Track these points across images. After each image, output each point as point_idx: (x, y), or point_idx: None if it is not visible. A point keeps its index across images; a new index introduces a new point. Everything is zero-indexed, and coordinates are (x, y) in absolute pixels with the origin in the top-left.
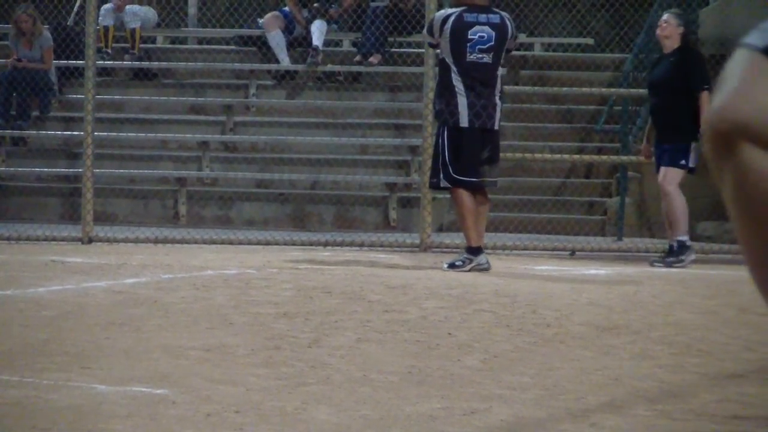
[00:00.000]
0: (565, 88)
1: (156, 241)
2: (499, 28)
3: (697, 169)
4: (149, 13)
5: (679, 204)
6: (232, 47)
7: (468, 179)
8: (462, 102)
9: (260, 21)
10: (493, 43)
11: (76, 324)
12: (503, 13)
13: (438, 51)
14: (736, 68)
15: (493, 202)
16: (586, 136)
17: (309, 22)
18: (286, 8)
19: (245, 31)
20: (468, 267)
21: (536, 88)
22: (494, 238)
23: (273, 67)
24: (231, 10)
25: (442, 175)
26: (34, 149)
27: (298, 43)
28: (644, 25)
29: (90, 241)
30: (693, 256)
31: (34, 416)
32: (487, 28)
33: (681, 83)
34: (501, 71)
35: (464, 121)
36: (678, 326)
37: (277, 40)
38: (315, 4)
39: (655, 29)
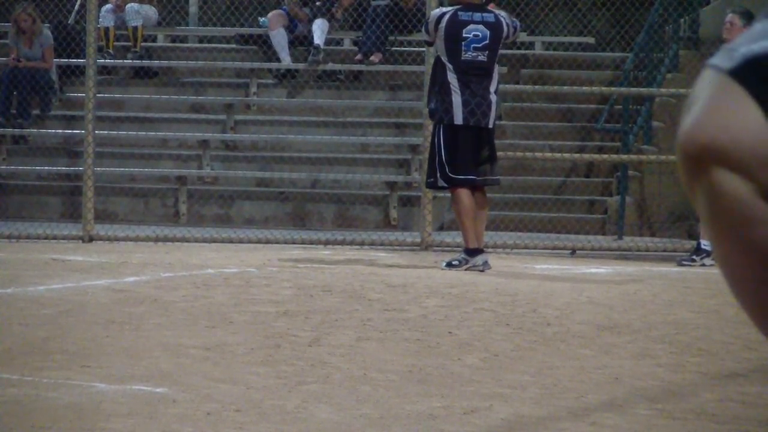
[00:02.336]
0: (565, 87)
1: (156, 240)
2: (494, 27)
3: None
4: (150, 11)
5: None
6: (233, 46)
7: (465, 177)
8: (456, 100)
9: (261, 19)
10: (488, 41)
11: (77, 322)
12: (498, 12)
13: (434, 50)
14: (703, 90)
15: (493, 200)
16: (587, 135)
17: (311, 20)
18: (287, 6)
19: (246, 30)
20: (464, 267)
21: (537, 86)
22: (495, 237)
23: (274, 65)
24: (232, 9)
25: (439, 175)
26: (35, 147)
27: (299, 42)
28: (645, 24)
29: (90, 239)
30: (709, 261)
31: (33, 415)
32: (481, 26)
33: None
34: (498, 68)
35: (459, 119)
36: (678, 325)
37: (279, 38)
38: (317, 3)
39: (655, 28)
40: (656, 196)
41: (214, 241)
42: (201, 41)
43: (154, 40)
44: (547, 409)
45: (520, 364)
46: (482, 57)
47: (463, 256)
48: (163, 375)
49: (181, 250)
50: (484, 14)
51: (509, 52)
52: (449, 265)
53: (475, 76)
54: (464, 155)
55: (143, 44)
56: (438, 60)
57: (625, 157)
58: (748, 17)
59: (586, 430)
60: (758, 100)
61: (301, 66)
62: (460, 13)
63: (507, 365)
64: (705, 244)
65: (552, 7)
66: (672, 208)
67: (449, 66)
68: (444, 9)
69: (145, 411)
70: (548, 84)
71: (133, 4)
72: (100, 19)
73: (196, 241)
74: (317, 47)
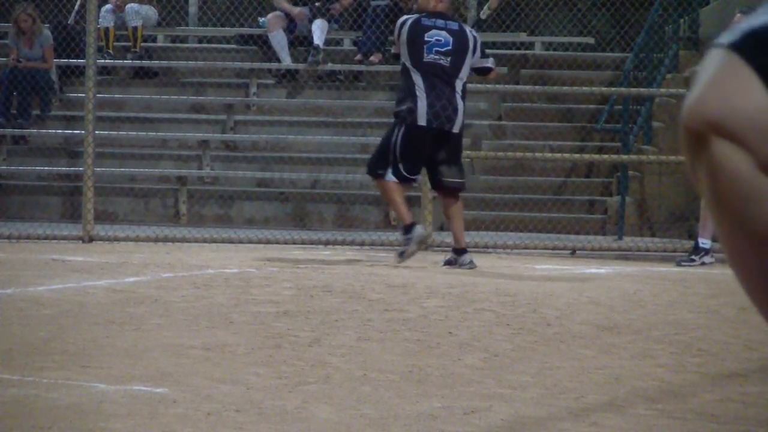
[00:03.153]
0: (565, 87)
1: (156, 240)
2: (458, 35)
3: None
4: (150, 11)
5: None
6: (233, 46)
7: (413, 177)
8: (421, 103)
9: (261, 20)
10: (450, 47)
11: (77, 323)
12: (466, 26)
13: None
14: (706, 67)
15: (493, 201)
16: (587, 135)
17: (310, 20)
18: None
19: (246, 30)
20: (413, 246)
21: (537, 87)
22: (495, 237)
23: (274, 66)
24: (231, 9)
25: (391, 170)
26: (35, 148)
27: (299, 42)
28: (645, 25)
29: (90, 239)
30: (708, 260)
31: (34, 415)
32: (444, 32)
33: None
34: (464, 76)
35: (422, 120)
36: (678, 325)
37: (278, 39)
38: (317, 3)
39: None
40: (656, 196)
41: (215, 241)
42: (201, 41)
43: (154, 40)
44: (547, 410)
45: (521, 364)
46: (444, 62)
47: (402, 236)
48: (163, 375)
49: (182, 251)
50: (449, 22)
51: (509, 52)
52: (401, 255)
53: (438, 79)
54: (418, 156)
55: (143, 44)
56: (403, 65)
57: (625, 157)
58: None
59: (587, 431)
60: (759, 72)
61: (301, 66)
62: (423, 19)
63: (507, 365)
64: (703, 242)
65: (552, 7)
66: (672, 208)
67: (412, 69)
68: (408, 16)
69: (145, 411)
70: (548, 84)
71: (132, 4)
72: (100, 20)
73: (197, 241)
74: (317, 47)
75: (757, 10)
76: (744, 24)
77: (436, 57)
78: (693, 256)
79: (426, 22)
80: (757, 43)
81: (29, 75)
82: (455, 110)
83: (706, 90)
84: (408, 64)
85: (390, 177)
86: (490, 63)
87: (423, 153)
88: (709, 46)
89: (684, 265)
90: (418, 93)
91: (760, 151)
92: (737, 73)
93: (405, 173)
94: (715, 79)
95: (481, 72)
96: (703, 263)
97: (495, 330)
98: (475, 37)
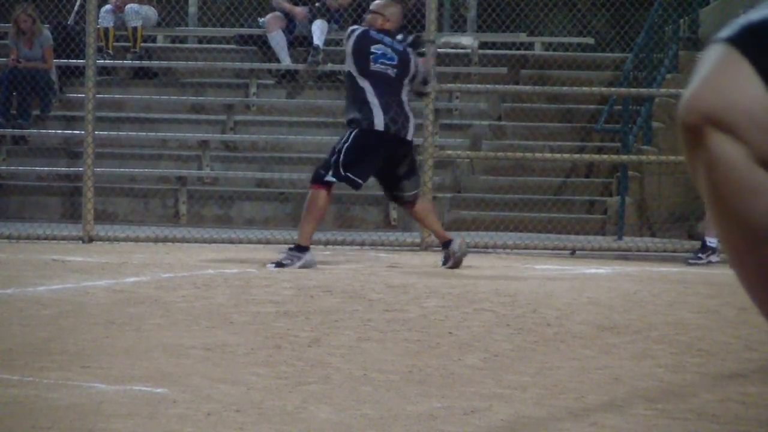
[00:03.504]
0: (565, 88)
1: (156, 240)
2: (401, 56)
3: None
4: (149, 12)
5: None
6: (233, 46)
7: (355, 178)
8: (376, 109)
9: (261, 20)
10: (395, 62)
11: (77, 323)
12: (410, 50)
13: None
14: (705, 62)
15: (493, 201)
16: (587, 135)
17: (310, 21)
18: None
19: (246, 30)
20: (298, 264)
21: (537, 87)
22: (495, 237)
23: (273, 66)
24: (231, 9)
25: (332, 171)
26: (35, 148)
27: (299, 43)
28: (645, 25)
29: (90, 240)
30: (715, 258)
31: (34, 415)
32: (390, 50)
33: None
34: (408, 93)
35: (380, 125)
36: (678, 325)
37: (278, 40)
38: (317, 4)
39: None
40: (656, 196)
41: (214, 241)
42: (201, 42)
43: (154, 40)
44: (547, 410)
45: (521, 364)
46: (391, 72)
47: (294, 253)
48: (163, 375)
49: (182, 251)
50: (395, 41)
51: (509, 52)
52: (279, 265)
53: (387, 86)
54: (372, 161)
55: (143, 45)
56: (349, 74)
57: (624, 157)
58: None
59: (587, 431)
60: (756, 66)
61: (300, 66)
62: (371, 31)
63: (507, 366)
64: (711, 241)
65: (552, 8)
66: (672, 208)
67: (359, 77)
68: (357, 26)
69: (145, 411)
70: (548, 84)
71: (132, 4)
72: (100, 20)
73: (196, 241)
74: (317, 48)
75: (756, 7)
76: (742, 19)
77: (383, 67)
78: (700, 254)
79: (374, 35)
80: (754, 38)
81: (29, 75)
82: (407, 117)
83: (703, 84)
84: (354, 72)
85: (330, 178)
86: (429, 89)
87: (377, 159)
88: (709, 43)
89: (692, 263)
90: (370, 99)
91: (757, 144)
92: (735, 67)
93: (351, 175)
94: (713, 73)
95: (418, 94)
96: (709, 261)
97: (495, 330)
98: (416, 65)
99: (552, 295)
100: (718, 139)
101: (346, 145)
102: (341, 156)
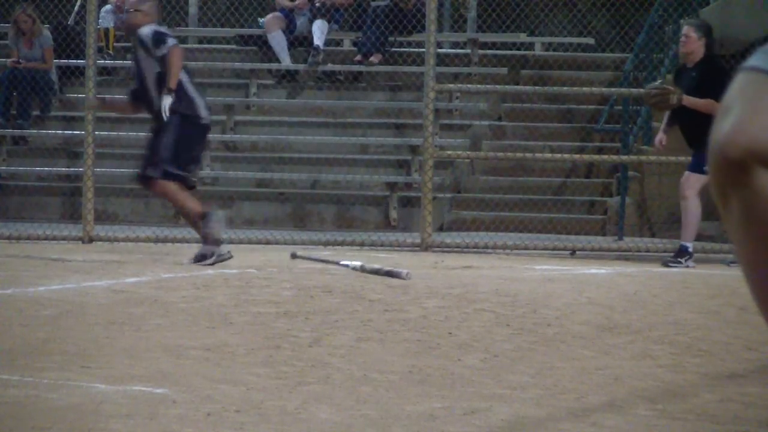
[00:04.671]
0: (565, 88)
1: (156, 240)
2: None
3: None
4: None
5: (692, 209)
6: (233, 46)
7: (181, 173)
8: (197, 97)
9: (261, 20)
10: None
11: (77, 323)
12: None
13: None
14: (743, 92)
15: (493, 201)
16: (587, 135)
17: (310, 21)
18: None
19: (246, 31)
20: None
21: (537, 87)
22: (495, 238)
23: (273, 66)
24: (231, 10)
25: (157, 167)
26: (35, 148)
27: (299, 43)
28: (645, 25)
29: (90, 240)
30: (691, 264)
31: (34, 415)
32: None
33: (708, 95)
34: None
35: (204, 114)
36: (678, 326)
37: (278, 40)
38: (317, 4)
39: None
40: (656, 196)
41: None
42: (201, 42)
43: None
44: (547, 410)
45: (521, 364)
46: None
47: (209, 247)
48: (163, 376)
49: (182, 251)
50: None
51: (509, 52)
52: (199, 259)
53: (188, 75)
54: (194, 150)
55: None
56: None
57: (625, 157)
58: (705, 29)
59: (587, 431)
60: None
61: (300, 67)
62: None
63: (507, 366)
64: (686, 245)
65: (552, 8)
66: (672, 208)
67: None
68: (154, 26)
69: (145, 412)
70: (548, 85)
71: None
72: (100, 20)
73: (197, 241)
74: (317, 48)
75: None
76: None
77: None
78: (679, 258)
79: (162, 29)
80: None
81: (29, 75)
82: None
83: (744, 118)
84: (158, 66)
85: (155, 172)
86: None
87: (196, 149)
88: (741, 70)
89: (671, 266)
90: (187, 87)
91: None
92: None
93: (178, 171)
94: (755, 107)
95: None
96: (687, 266)
97: (495, 330)
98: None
99: (552, 295)
100: (764, 176)
101: (170, 141)
102: (170, 153)
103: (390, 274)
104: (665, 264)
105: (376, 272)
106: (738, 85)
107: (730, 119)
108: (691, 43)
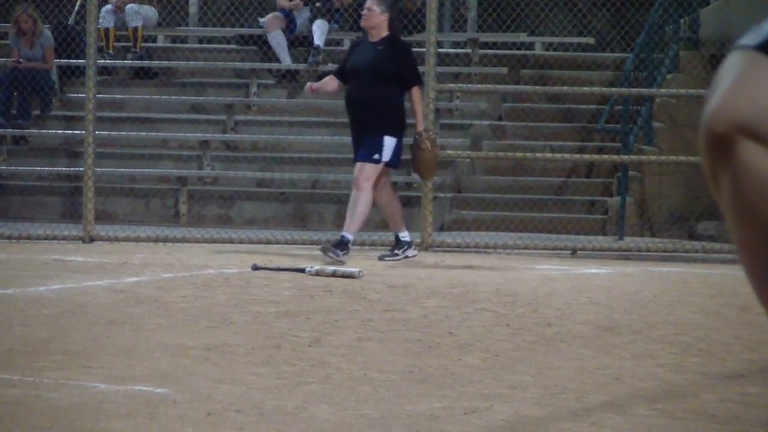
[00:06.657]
0: (566, 88)
1: (157, 240)
2: None
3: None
4: (150, 12)
5: (363, 201)
6: (233, 46)
7: None
8: None
9: (261, 20)
10: None
11: (77, 323)
12: None
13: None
14: (730, 69)
15: (493, 201)
16: (587, 135)
17: (310, 21)
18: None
19: (246, 30)
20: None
21: (537, 87)
22: (495, 238)
23: (274, 66)
24: (232, 9)
25: None
26: (35, 148)
27: (299, 43)
28: (645, 25)
29: (91, 240)
30: (411, 252)
31: (34, 415)
32: None
33: (389, 74)
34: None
35: None
36: (679, 326)
37: (278, 40)
38: (317, 4)
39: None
40: (657, 196)
41: (215, 241)
42: (201, 42)
43: (154, 40)
44: (547, 410)
45: (521, 364)
46: None
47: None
48: (163, 375)
49: (182, 251)
50: None
51: (509, 52)
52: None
53: None
54: None
55: (143, 45)
56: None
57: (625, 157)
58: (386, 3)
59: (587, 431)
60: None
61: (301, 66)
62: None
63: (507, 365)
64: (404, 235)
65: (552, 8)
66: (672, 208)
67: None
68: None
69: (146, 411)
70: (548, 84)
71: (133, 4)
72: (100, 20)
73: (197, 241)
74: (317, 48)
75: None
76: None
77: None
78: (396, 251)
79: None
80: None
81: (29, 75)
82: None
83: (733, 91)
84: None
85: None
86: None
87: None
88: (733, 50)
89: (387, 260)
90: None
91: None
92: (764, 73)
93: None
94: (743, 81)
95: None
96: (406, 257)
97: (495, 330)
98: None
99: (552, 295)
100: (750, 149)
101: None
102: None
103: (343, 275)
104: (381, 258)
105: (332, 274)
106: (727, 63)
107: (717, 94)
108: (374, 18)
